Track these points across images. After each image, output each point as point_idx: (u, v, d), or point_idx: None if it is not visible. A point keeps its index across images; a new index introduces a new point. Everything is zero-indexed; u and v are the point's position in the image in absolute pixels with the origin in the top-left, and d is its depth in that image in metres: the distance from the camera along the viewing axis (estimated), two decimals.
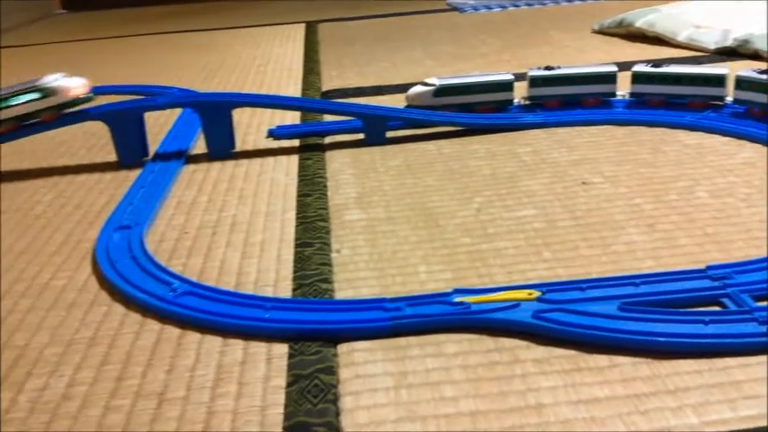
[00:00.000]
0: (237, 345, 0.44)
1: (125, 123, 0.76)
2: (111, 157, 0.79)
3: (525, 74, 0.87)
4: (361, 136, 0.82)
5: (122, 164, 0.77)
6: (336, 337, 0.44)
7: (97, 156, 0.81)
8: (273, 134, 0.85)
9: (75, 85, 0.77)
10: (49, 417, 0.38)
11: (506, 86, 0.85)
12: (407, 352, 0.42)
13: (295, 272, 0.53)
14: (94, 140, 0.86)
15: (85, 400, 0.40)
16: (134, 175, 0.74)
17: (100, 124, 0.79)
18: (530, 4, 1.77)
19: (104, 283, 0.52)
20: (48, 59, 1.50)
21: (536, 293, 0.45)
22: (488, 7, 1.77)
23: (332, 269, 0.53)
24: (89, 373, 0.42)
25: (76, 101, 0.77)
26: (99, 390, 0.40)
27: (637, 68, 0.84)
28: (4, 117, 0.75)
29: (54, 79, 0.77)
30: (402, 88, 1.02)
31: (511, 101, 0.86)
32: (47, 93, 0.76)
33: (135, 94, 1.08)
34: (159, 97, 0.79)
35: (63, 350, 0.44)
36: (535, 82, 0.85)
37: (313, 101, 0.89)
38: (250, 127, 0.89)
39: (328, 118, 0.89)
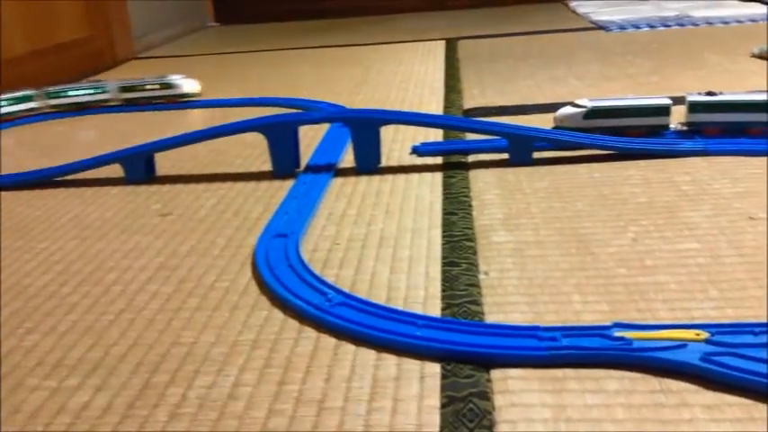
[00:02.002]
0: (391, 360, 0.45)
1: (282, 135, 0.79)
2: (266, 166, 0.83)
3: (681, 98, 0.83)
4: (504, 155, 0.81)
5: (276, 174, 0.80)
6: (488, 361, 0.44)
7: (252, 165, 0.86)
8: (417, 151, 0.86)
9: (188, 84, 1.24)
10: (217, 415, 0.41)
11: (663, 111, 0.81)
12: (564, 384, 0.41)
13: (443, 291, 0.53)
14: (249, 150, 0.91)
15: (250, 402, 0.42)
16: (287, 185, 0.77)
17: (254, 135, 0.84)
18: (681, 25, 1.69)
19: (264, 288, 0.55)
20: (201, 69, 1.60)
21: (704, 334, 0.43)
22: (636, 26, 1.71)
23: (480, 291, 0.53)
24: (253, 375, 0.44)
25: (186, 95, 1.23)
26: (262, 392, 0.42)
27: None
28: (136, 96, 1.22)
29: (176, 78, 1.23)
30: (546, 108, 1.00)
31: (666, 126, 0.82)
32: (168, 85, 1.22)
33: (287, 107, 1.14)
34: (314, 112, 0.82)
35: (228, 350, 0.47)
36: (695, 107, 0.81)
37: (460, 119, 0.90)
38: (394, 143, 0.91)
39: (471, 136, 0.89)
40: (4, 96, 1.21)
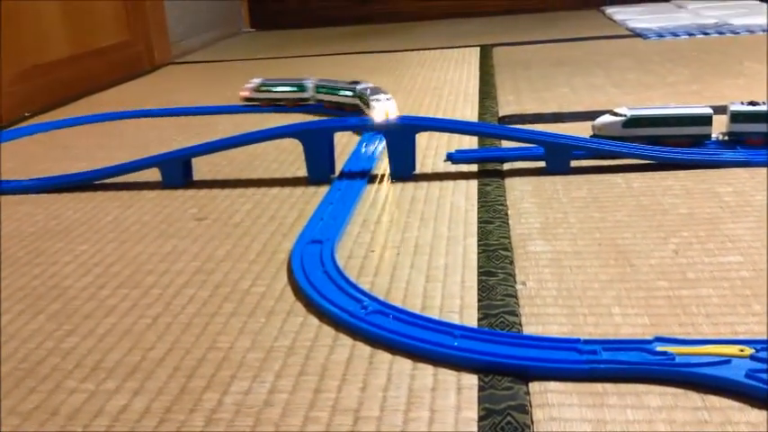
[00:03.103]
0: (427, 370, 0.44)
1: (317, 142, 0.80)
2: (300, 172, 0.83)
3: (722, 107, 0.82)
4: (540, 164, 0.80)
5: (311, 180, 0.81)
6: (526, 373, 0.43)
7: (288, 170, 0.86)
8: (452, 158, 0.86)
9: (381, 109, 0.92)
10: (253, 421, 0.41)
11: (704, 120, 0.80)
12: (605, 399, 0.40)
13: (480, 300, 0.53)
14: (285, 155, 0.91)
15: (286, 409, 0.41)
16: (322, 191, 0.78)
17: (289, 140, 0.84)
18: (720, 33, 1.66)
19: (299, 294, 0.55)
20: (238, 75, 1.62)
21: (748, 350, 0.42)
22: (674, 34, 1.68)
23: (518, 302, 0.52)
24: (288, 381, 0.44)
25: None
26: (298, 399, 0.42)
27: None
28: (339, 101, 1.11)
29: (380, 98, 0.94)
30: (583, 116, 0.99)
31: (708, 136, 0.81)
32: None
33: (321, 113, 1.14)
34: (350, 118, 0.82)
35: (264, 356, 0.47)
36: (737, 117, 0.79)
37: (495, 127, 0.89)
38: (428, 150, 0.90)
39: (506, 143, 0.89)
40: (284, 80, 1.21)
